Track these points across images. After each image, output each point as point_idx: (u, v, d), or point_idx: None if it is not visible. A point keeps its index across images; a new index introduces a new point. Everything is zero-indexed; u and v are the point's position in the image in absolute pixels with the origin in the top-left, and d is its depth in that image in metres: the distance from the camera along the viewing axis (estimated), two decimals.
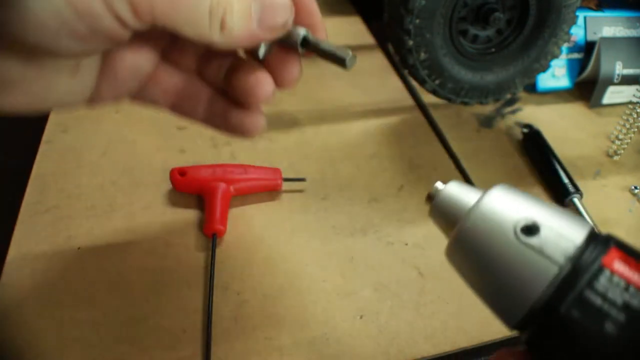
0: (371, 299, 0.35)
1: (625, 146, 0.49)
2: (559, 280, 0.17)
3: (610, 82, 0.54)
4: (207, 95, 0.27)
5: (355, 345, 0.32)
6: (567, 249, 0.18)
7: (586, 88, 0.56)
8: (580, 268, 0.17)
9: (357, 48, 0.62)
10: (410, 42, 0.44)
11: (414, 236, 0.40)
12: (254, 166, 0.41)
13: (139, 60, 0.25)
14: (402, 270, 0.37)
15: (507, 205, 0.20)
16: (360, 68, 0.58)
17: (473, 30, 0.47)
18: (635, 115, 0.49)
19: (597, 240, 0.18)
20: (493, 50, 0.49)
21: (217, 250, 0.37)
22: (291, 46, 0.25)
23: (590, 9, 0.57)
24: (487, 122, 0.53)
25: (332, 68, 0.62)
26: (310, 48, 0.25)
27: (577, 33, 0.56)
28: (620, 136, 0.50)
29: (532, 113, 0.54)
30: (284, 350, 0.32)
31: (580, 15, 0.56)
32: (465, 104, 0.51)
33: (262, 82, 0.25)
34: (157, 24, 0.20)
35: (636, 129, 0.49)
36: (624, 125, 0.50)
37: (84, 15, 0.18)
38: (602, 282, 0.17)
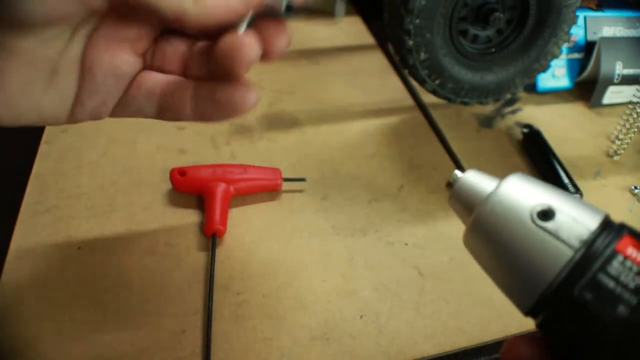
0: (371, 299, 0.35)
1: (625, 146, 0.49)
2: (573, 263, 0.18)
3: (610, 82, 0.54)
4: (191, 89, 0.26)
5: (355, 345, 0.32)
6: (582, 234, 0.18)
7: (586, 88, 0.56)
8: (594, 252, 0.18)
9: (357, 48, 0.62)
10: (410, 42, 0.44)
11: (414, 236, 0.40)
12: (254, 166, 0.41)
13: (118, 63, 0.24)
14: (402, 270, 0.37)
15: (524, 191, 0.20)
16: (360, 68, 0.59)
17: (473, 30, 0.47)
18: (635, 115, 0.49)
19: (611, 227, 0.19)
20: (493, 50, 0.49)
21: (217, 250, 0.37)
22: (275, 15, 0.23)
23: (590, 9, 0.57)
24: (487, 122, 0.53)
25: (332, 67, 0.62)
26: (296, 12, 0.23)
27: (577, 33, 0.56)
28: (620, 136, 0.50)
29: (532, 113, 0.54)
30: (284, 350, 0.32)
31: (580, 15, 0.56)
32: (465, 104, 0.51)
33: (245, 44, 0.23)
34: None
35: (636, 129, 0.49)
36: (624, 125, 0.50)
37: None
38: (615, 266, 0.17)
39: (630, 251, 0.18)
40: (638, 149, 0.51)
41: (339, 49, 0.61)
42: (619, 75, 0.54)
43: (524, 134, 0.50)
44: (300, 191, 0.43)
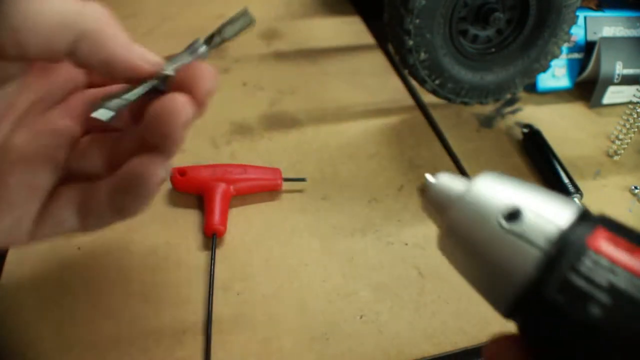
0: (371, 299, 0.35)
1: (625, 146, 0.49)
2: (542, 265, 0.17)
3: (610, 82, 0.54)
4: (105, 187, 0.24)
5: (355, 345, 0.32)
6: (551, 233, 0.17)
7: (586, 88, 0.56)
8: (563, 251, 0.17)
9: (357, 48, 0.62)
10: (410, 42, 0.44)
11: (414, 236, 0.40)
12: (254, 166, 0.41)
13: (33, 176, 0.23)
14: (402, 270, 0.37)
15: (492, 193, 0.19)
16: (360, 68, 0.59)
17: (473, 30, 0.47)
18: (635, 115, 0.49)
19: (585, 222, 0.17)
20: (493, 50, 0.49)
21: (217, 250, 0.37)
22: (157, 88, 0.23)
23: (590, 9, 0.57)
24: (487, 122, 0.53)
25: (332, 67, 0.61)
26: (210, 48, 0.24)
27: (577, 33, 0.56)
28: (620, 136, 0.50)
29: (532, 113, 0.54)
30: (284, 350, 0.32)
31: (580, 15, 0.55)
32: (465, 104, 0.51)
33: (178, 105, 0.22)
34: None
35: (636, 129, 0.49)
36: (624, 125, 0.50)
37: None
38: (586, 264, 0.16)
39: (604, 246, 0.16)
40: (638, 149, 0.51)
41: (339, 49, 0.61)
42: (619, 75, 0.54)
43: (524, 134, 0.50)
44: (300, 191, 0.43)
